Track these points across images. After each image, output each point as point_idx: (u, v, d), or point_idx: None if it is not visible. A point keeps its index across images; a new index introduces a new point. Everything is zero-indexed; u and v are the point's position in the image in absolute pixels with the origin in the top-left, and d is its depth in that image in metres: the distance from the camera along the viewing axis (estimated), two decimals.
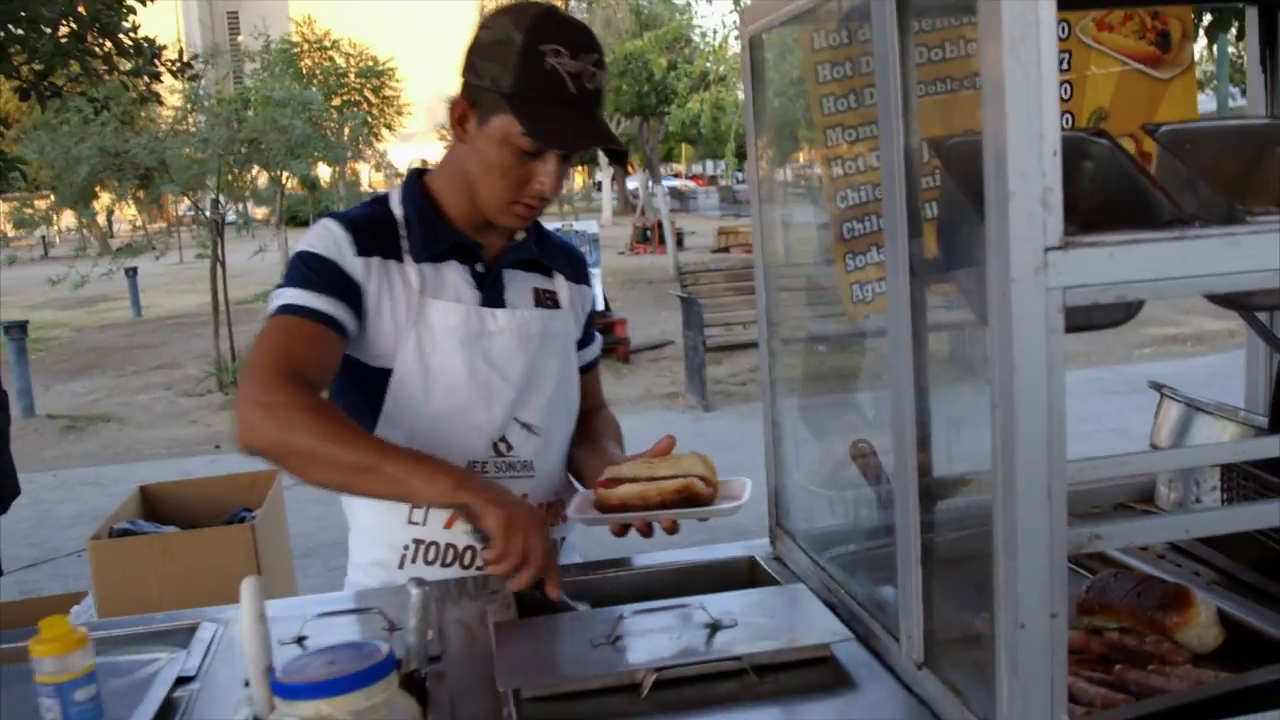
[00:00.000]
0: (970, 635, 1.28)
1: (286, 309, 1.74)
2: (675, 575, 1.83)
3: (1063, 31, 2.41)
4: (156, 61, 4.41)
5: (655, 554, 1.91)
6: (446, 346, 1.82)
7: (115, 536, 3.49)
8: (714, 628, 1.46)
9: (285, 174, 11.89)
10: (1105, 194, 1.21)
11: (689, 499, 1.67)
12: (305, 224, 20.80)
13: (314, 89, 14.36)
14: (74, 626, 1.33)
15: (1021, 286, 1.01)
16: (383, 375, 1.82)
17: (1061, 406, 1.04)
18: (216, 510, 3.86)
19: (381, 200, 1.91)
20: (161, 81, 4.67)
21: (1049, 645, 1.07)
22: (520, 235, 1.92)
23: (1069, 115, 2.47)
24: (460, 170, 1.81)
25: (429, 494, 1.62)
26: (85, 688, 1.31)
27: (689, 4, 16.59)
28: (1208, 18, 4.53)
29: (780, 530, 1.86)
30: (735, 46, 15.11)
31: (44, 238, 26.32)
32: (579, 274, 2.04)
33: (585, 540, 2.11)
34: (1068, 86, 2.48)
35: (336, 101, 17.50)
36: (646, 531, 1.72)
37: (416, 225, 1.85)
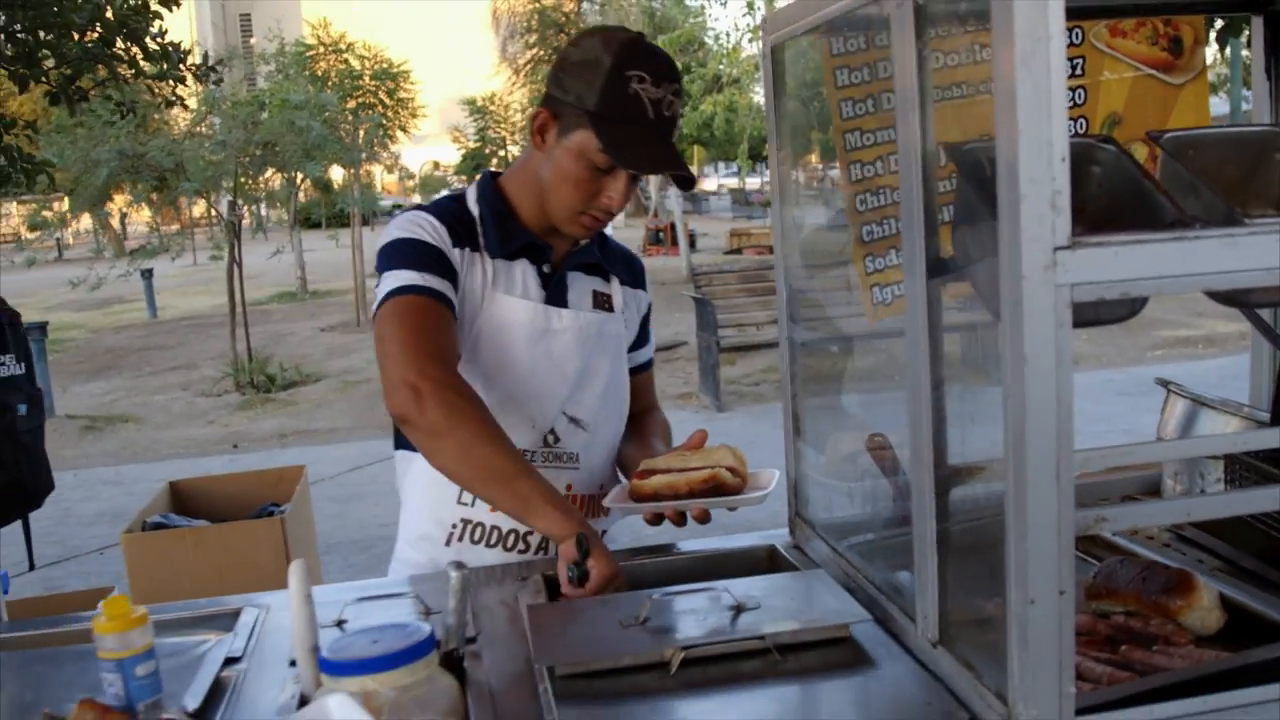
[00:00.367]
0: (983, 615, 1.35)
1: (407, 289, 1.82)
2: (699, 562, 1.90)
3: (1076, 38, 2.46)
4: (182, 66, 4.49)
5: (684, 543, 1.99)
6: (513, 340, 1.92)
7: (148, 530, 3.58)
8: (738, 609, 1.53)
9: (300, 176, 12.00)
10: (1111, 197, 1.27)
11: (716, 488, 1.75)
12: (318, 225, 20.98)
13: (329, 92, 14.44)
14: (133, 606, 1.40)
15: (1032, 284, 1.08)
16: None
17: (1069, 395, 1.11)
18: (243, 505, 3.95)
19: (459, 198, 2.00)
20: (187, 85, 4.76)
21: (1057, 620, 1.14)
22: (585, 240, 2.01)
23: (1083, 120, 2.52)
24: (534, 176, 1.91)
25: (551, 522, 1.70)
26: (145, 663, 1.39)
27: (703, 7, 16.65)
28: (1219, 22, 4.58)
29: (800, 520, 1.93)
30: (748, 49, 15.19)
31: (58, 240, 26.45)
32: (636, 280, 2.14)
33: (623, 532, 2.19)
34: (1082, 92, 2.53)
35: (351, 104, 17.57)
36: (679, 520, 1.80)
37: (491, 223, 1.94)
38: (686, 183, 1.92)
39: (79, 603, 3.84)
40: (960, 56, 2.20)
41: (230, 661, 1.62)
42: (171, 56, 4.38)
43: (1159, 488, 1.98)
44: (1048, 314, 1.09)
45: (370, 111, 18.29)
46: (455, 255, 1.89)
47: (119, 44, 4.25)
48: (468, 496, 1.94)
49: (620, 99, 1.79)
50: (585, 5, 36.53)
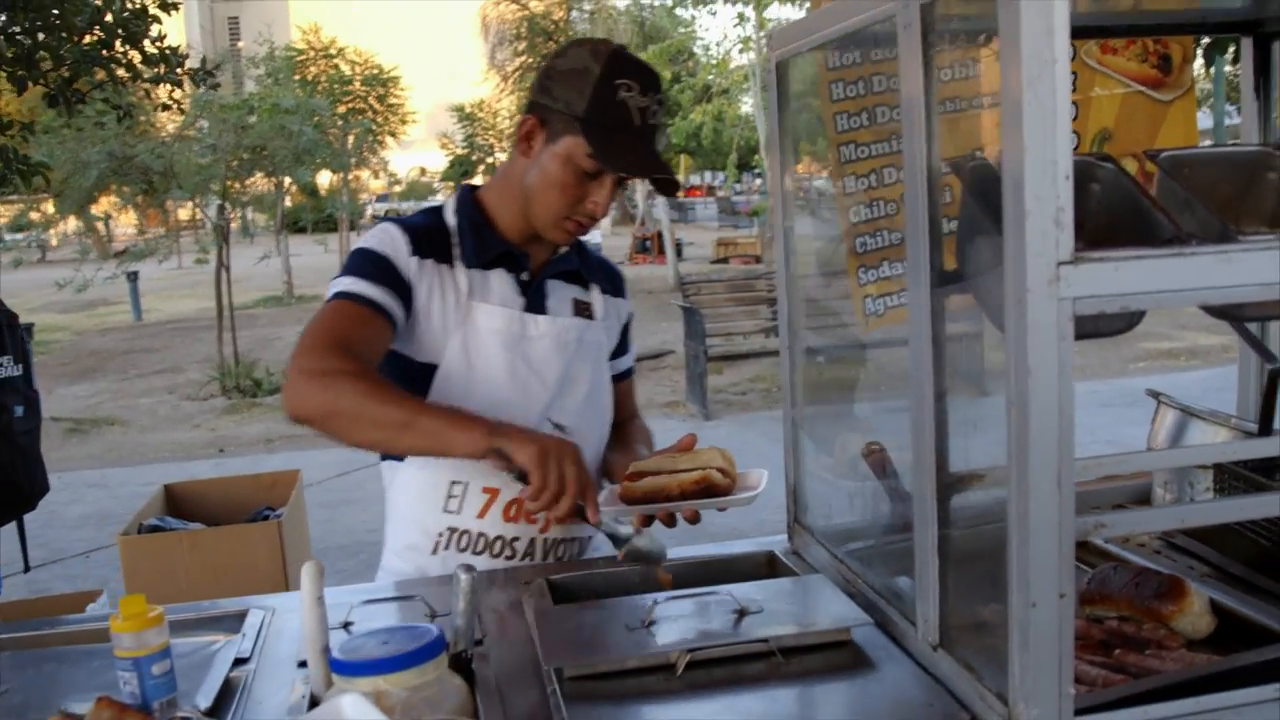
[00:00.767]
0: (983, 619, 1.39)
1: (341, 295, 1.86)
2: (699, 568, 1.93)
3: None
4: (179, 70, 4.51)
5: (679, 549, 2.01)
6: (490, 347, 1.94)
7: (145, 533, 3.59)
8: (741, 613, 1.56)
9: (288, 180, 12.00)
10: (1110, 214, 1.31)
11: (707, 489, 1.77)
12: (303, 230, 20.99)
13: (319, 96, 14.45)
14: (150, 605, 1.43)
15: (1036, 297, 1.12)
16: (428, 371, 1.94)
17: (1070, 405, 1.14)
18: (238, 509, 3.96)
19: (436, 211, 2.04)
20: (184, 89, 4.78)
21: (1058, 623, 1.18)
22: (563, 249, 2.04)
23: (1075, 135, 2.57)
24: (517, 183, 1.94)
25: (464, 444, 1.70)
26: (161, 662, 1.41)
27: (693, 18, 16.71)
28: (1205, 40, 4.65)
29: (798, 526, 1.97)
30: (738, 60, 15.27)
31: (42, 241, 26.37)
32: (616, 288, 2.17)
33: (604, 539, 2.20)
34: (1073, 108, 2.58)
35: (341, 109, 17.59)
36: (669, 522, 1.82)
37: (468, 234, 1.97)
38: (670, 187, 1.95)
39: (67, 605, 3.86)
40: (953, 72, 2.24)
41: (239, 662, 1.65)
42: (170, 60, 4.40)
43: (1149, 496, 2.02)
44: (1051, 327, 1.13)
45: (360, 117, 18.29)
46: (411, 265, 1.91)
47: (117, 47, 4.27)
48: (454, 504, 1.96)
49: (609, 106, 1.83)
50: (574, 14, 36.59)
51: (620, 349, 2.19)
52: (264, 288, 19.66)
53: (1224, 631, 1.53)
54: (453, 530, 1.98)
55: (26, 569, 3.46)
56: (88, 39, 4.28)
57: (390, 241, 1.93)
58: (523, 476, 1.68)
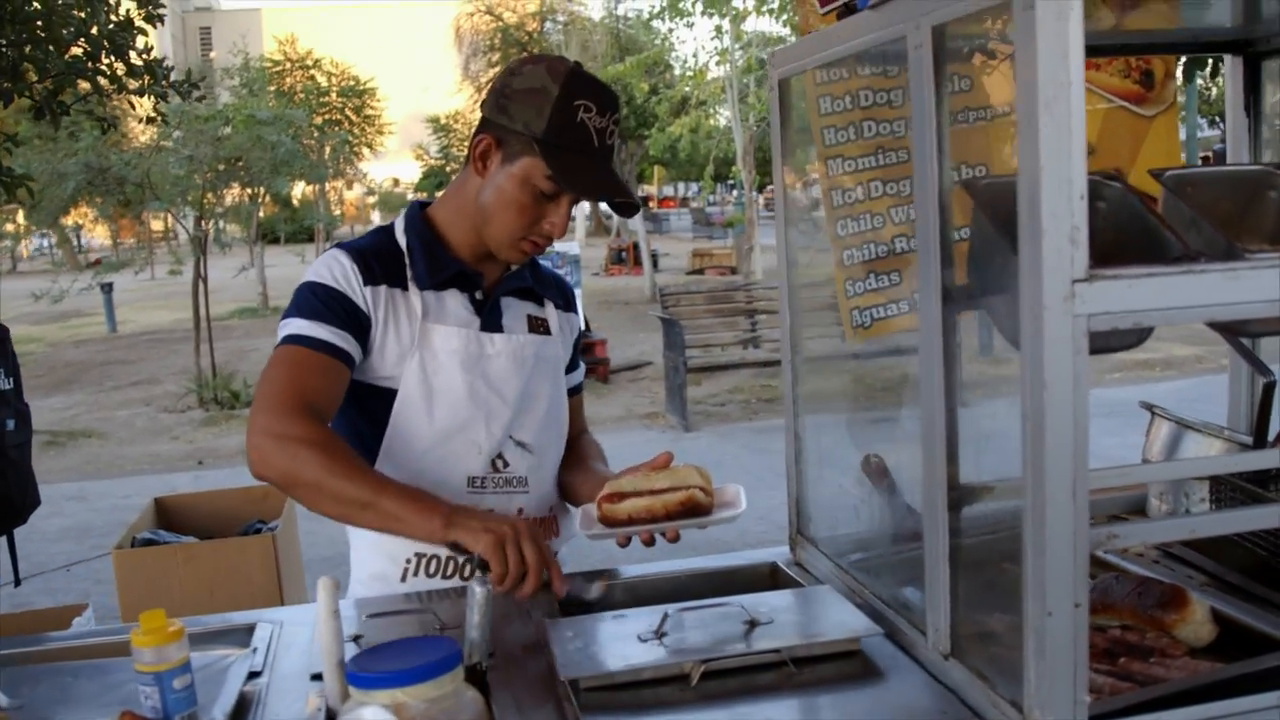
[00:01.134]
0: (995, 628, 1.42)
1: (295, 339, 1.84)
2: (702, 579, 1.95)
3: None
4: (165, 82, 4.51)
5: (682, 560, 2.04)
6: (448, 368, 1.92)
7: (138, 546, 3.58)
8: (752, 624, 1.58)
9: (263, 191, 11.95)
10: (1116, 231, 1.35)
11: (692, 509, 1.78)
12: (276, 241, 20.91)
13: (296, 107, 14.43)
14: (170, 620, 1.44)
15: (1052, 314, 1.15)
16: (388, 395, 1.92)
17: (1085, 418, 1.18)
18: (230, 522, 3.95)
19: (386, 230, 2.01)
20: (168, 101, 4.78)
21: (1073, 632, 1.20)
22: (515, 266, 2.03)
23: None
24: (471, 202, 1.92)
25: (423, 531, 1.71)
26: (182, 676, 1.42)
27: (671, 30, 16.79)
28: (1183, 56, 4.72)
29: (801, 538, 1.99)
30: (715, 72, 15.34)
31: (12, 252, 26.16)
32: (568, 303, 2.16)
33: (574, 554, 2.20)
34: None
35: (318, 120, 17.55)
36: (650, 542, 1.83)
37: (420, 254, 1.95)
38: (629, 209, 1.94)
39: (53, 619, 3.83)
40: (953, 84, 2.28)
41: (251, 676, 1.65)
42: (156, 72, 4.39)
43: (1144, 507, 2.05)
44: (1066, 342, 1.16)
45: (337, 128, 18.26)
46: (366, 295, 1.89)
47: (103, 59, 4.26)
48: None
49: (568, 127, 1.82)
50: (548, 25, 36.64)
51: (571, 365, 2.17)
52: (239, 299, 19.58)
53: (1225, 639, 1.56)
54: (420, 555, 1.96)
55: (17, 583, 3.44)
56: (73, 51, 4.27)
57: (342, 273, 1.89)
58: (483, 564, 1.67)
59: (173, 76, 4.70)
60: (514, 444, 1.97)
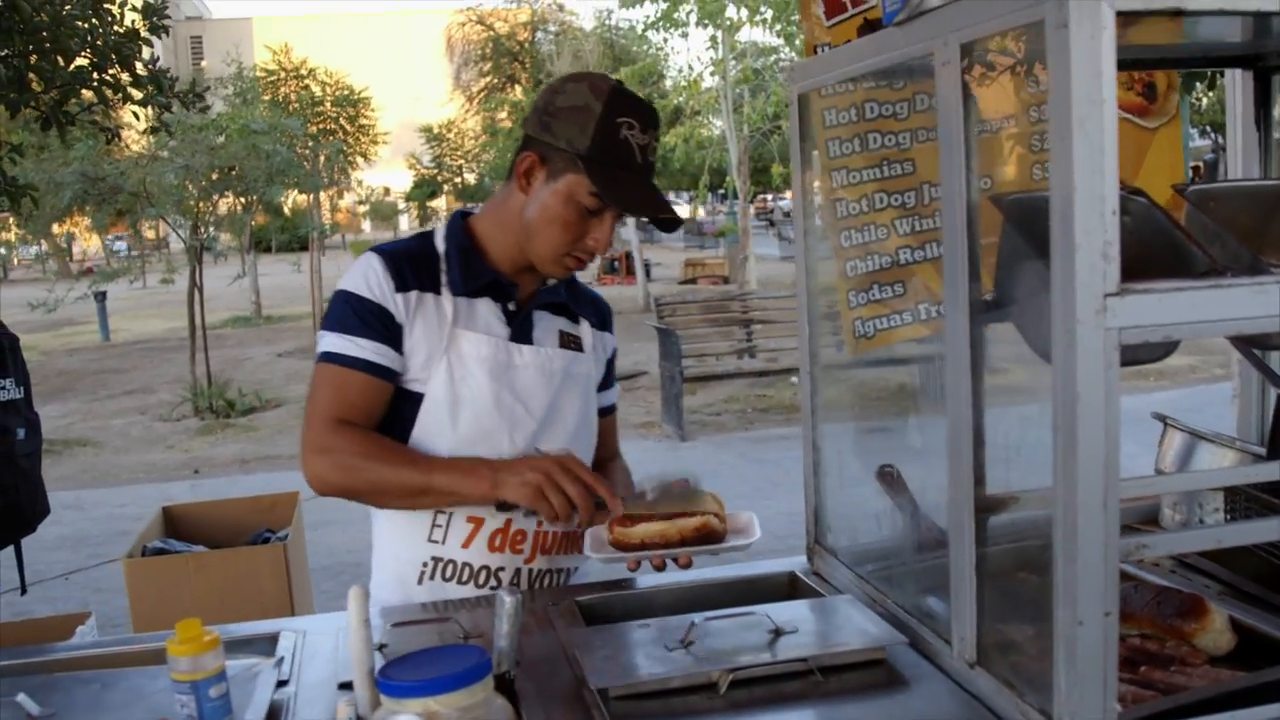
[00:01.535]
0: (1021, 636, 1.44)
1: (332, 357, 1.92)
2: (722, 589, 1.96)
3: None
4: (170, 92, 4.52)
5: (700, 571, 2.05)
6: (475, 375, 1.95)
7: (149, 555, 3.58)
8: (777, 633, 1.60)
9: (255, 200, 11.94)
10: (1141, 246, 1.37)
11: (705, 536, 1.81)
12: (268, 250, 20.92)
13: (291, 116, 14.44)
14: (205, 629, 1.45)
15: (1085, 328, 1.17)
16: (415, 399, 1.95)
17: (1116, 430, 1.20)
18: (237, 531, 3.96)
19: (426, 236, 2.05)
20: (172, 112, 4.79)
21: (1103, 640, 1.22)
22: (551, 281, 2.05)
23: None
24: (514, 217, 1.95)
25: (476, 496, 1.87)
26: (218, 685, 1.43)
27: (666, 40, 16.86)
28: None
29: (819, 547, 2.01)
30: (709, 82, 15.37)
31: (4, 262, 26.13)
32: (603, 322, 2.18)
33: (588, 565, 2.20)
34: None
35: (312, 129, 17.57)
36: (662, 566, 1.87)
37: (456, 261, 1.99)
38: (672, 224, 1.96)
39: (57, 627, 3.83)
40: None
41: (278, 685, 1.66)
42: (162, 82, 4.40)
43: (1156, 518, 2.08)
44: (1098, 355, 1.18)
45: (331, 138, 18.27)
46: (398, 302, 1.93)
47: (109, 70, 4.27)
48: (438, 534, 1.97)
49: (612, 144, 1.85)
50: (539, 34, 36.70)
51: (604, 384, 2.19)
52: (232, 307, 19.55)
53: (1244, 648, 1.58)
54: (437, 560, 1.98)
55: (24, 591, 3.44)
56: (79, 61, 4.28)
57: (376, 281, 1.94)
58: (532, 511, 1.81)
59: (176, 87, 4.71)
60: (539, 455, 1.98)
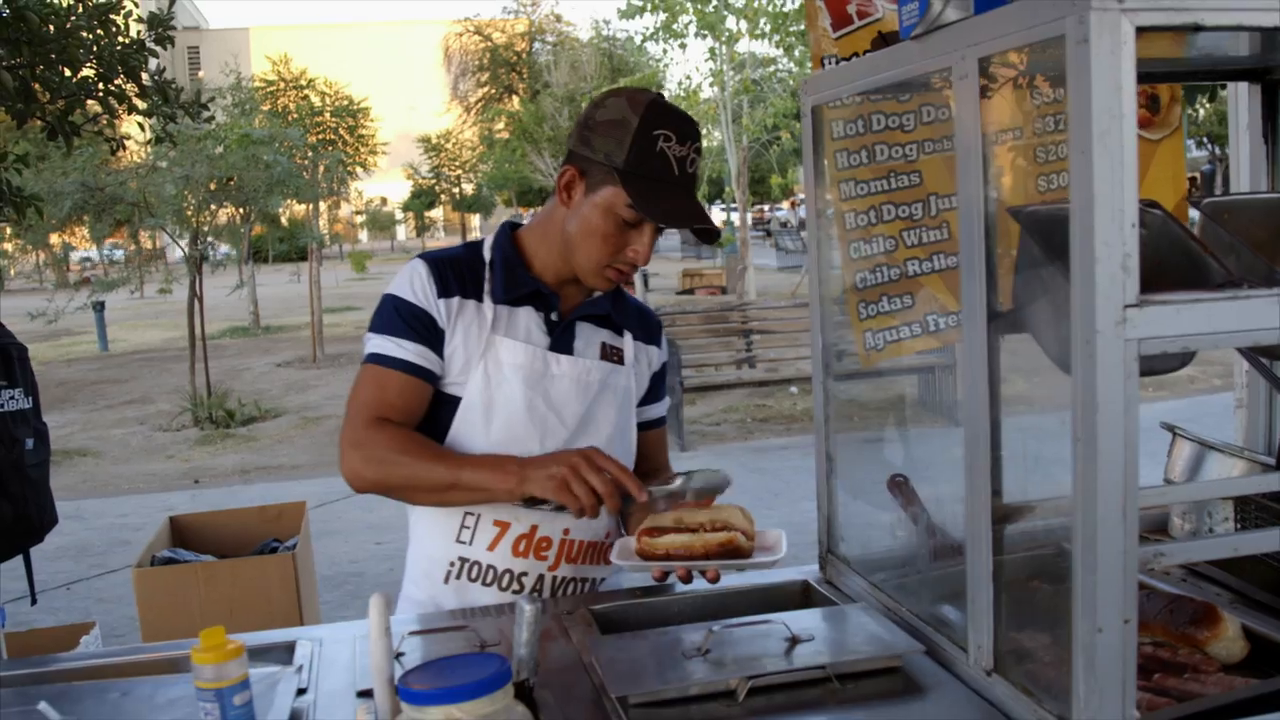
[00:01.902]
0: (1039, 644, 1.45)
1: (377, 359, 1.97)
2: (735, 597, 1.98)
3: (1061, 94, 2.60)
4: (177, 103, 4.54)
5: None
6: (511, 381, 1.98)
7: (158, 565, 3.59)
8: (793, 641, 1.61)
9: (251, 211, 11.94)
10: (1158, 258, 1.38)
11: (731, 552, 1.81)
12: (265, 260, 20.92)
13: (291, 126, 14.46)
14: (229, 638, 1.46)
15: (1105, 338, 1.19)
16: (453, 402, 1.99)
17: (1135, 439, 1.21)
18: (244, 540, 3.96)
19: (474, 245, 2.09)
20: (177, 122, 4.81)
21: (1122, 647, 1.24)
22: (597, 293, 2.07)
23: (1067, 174, 2.64)
24: (558, 230, 1.98)
25: (504, 493, 1.88)
26: (242, 693, 1.44)
27: (665, 50, 16.88)
28: None
29: (832, 556, 2.02)
30: (708, 93, 15.42)
31: (1, 271, 26.12)
32: (650, 336, 2.19)
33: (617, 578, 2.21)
34: (1066, 148, 2.65)
35: (312, 139, 17.60)
36: (688, 579, 1.88)
37: (500, 269, 2.02)
38: (710, 235, 1.99)
39: (63, 637, 3.84)
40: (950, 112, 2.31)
41: (298, 693, 1.67)
42: (168, 93, 4.42)
43: (1165, 527, 2.09)
44: (1118, 366, 1.19)
45: (330, 148, 18.31)
46: (440, 307, 1.97)
47: (116, 80, 4.29)
48: (466, 535, 2.00)
49: (648, 156, 1.87)
50: (537, 45, 36.81)
51: (650, 396, 2.20)
52: (230, 318, 19.55)
53: (1256, 655, 1.60)
54: (464, 560, 2.01)
55: (34, 601, 3.44)
56: (85, 72, 4.30)
57: (420, 287, 1.98)
58: (560, 505, 1.82)
59: (181, 97, 4.72)
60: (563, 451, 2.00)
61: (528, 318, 2.02)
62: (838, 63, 2.66)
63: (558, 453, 1.89)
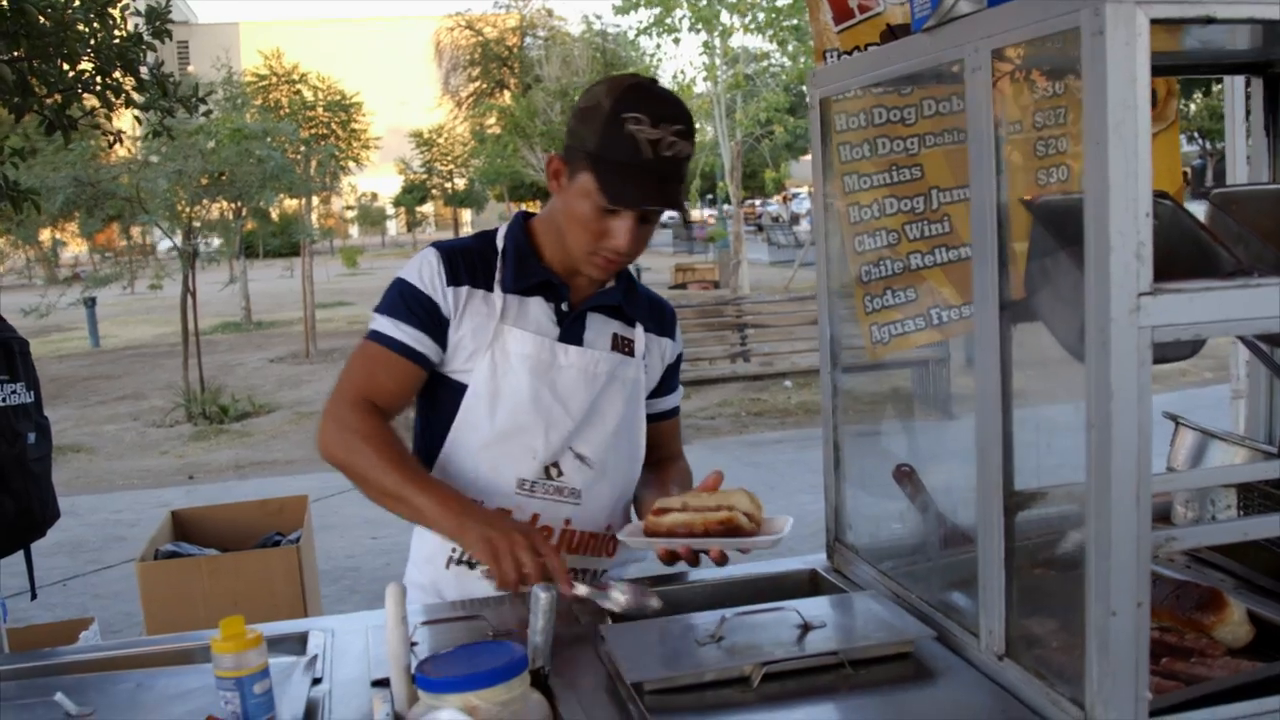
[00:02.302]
0: (1050, 628, 1.47)
1: (376, 336, 1.98)
2: (743, 586, 1.99)
3: (1060, 88, 2.61)
4: (175, 97, 4.54)
5: (721, 569, 2.07)
6: (517, 371, 1.99)
7: (161, 558, 3.59)
8: (805, 627, 1.63)
9: (243, 206, 11.93)
10: (1169, 247, 1.40)
11: (731, 530, 1.82)
12: (255, 255, 20.89)
13: (284, 121, 14.43)
14: (248, 627, 1.47)
15: (1119, 326, 1.20)
16: (459, 389, 2.00)
17: (1149, 426, 1.23)
18: (246, 534, 3.97)
19: (488, 235, 2.10)
20: (174, 116, 4.80)
21: (1135, 630, 1.26)
22: (610, 284, 2.09)
23: (1065, 167, 2.66)
24: (555, 218, 2.00)
25: (439, 528, 1.89)
26: (261, 682, 1.46)
27: (659, 45, 16.92)
28: None
29: (839, 545, 2.04)
30: (701, 87, 15.43)
31: None
32: (664, 328, 2.19)
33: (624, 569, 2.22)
34: (1065, 140, 2.66)
35: (304, 134, 17.57)
36: (693, 560, 1.90)
37: (512, 259, 2.03)
38: (685, 219, 2.00)
39: (61, 633, 3.85)
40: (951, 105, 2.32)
41: (313, 683, 1.68)
42: (167, 87, 4.42)
43: (1168, 515, 2.11)
44: (1131, 353, 1.21)
45: (323, 142, 18.27)
46: (449, 295, 1.98)
47: (114, 74, 4.28)
48: None
49: (617, 140, 1.85)
50: (529, 40, 36.74)
51: (664, 389, 2.20)
52: (221, 313, 19.52)
53: (1261, 640, 1.62)
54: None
55: (34, 596, 3.45)
56: (83, 65, 4.29)
57: (429, 274, 2.00)
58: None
59: (179, 91, 4.72)
60: (573, 455, 2.02)
61: (538, 308, 2.03)
62: (840, 56, 2.67)
63: (506, 521, 1.87)
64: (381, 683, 1.62)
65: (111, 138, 4.71)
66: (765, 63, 15.62)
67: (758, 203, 42.42)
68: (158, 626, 3.45)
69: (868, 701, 1.51)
